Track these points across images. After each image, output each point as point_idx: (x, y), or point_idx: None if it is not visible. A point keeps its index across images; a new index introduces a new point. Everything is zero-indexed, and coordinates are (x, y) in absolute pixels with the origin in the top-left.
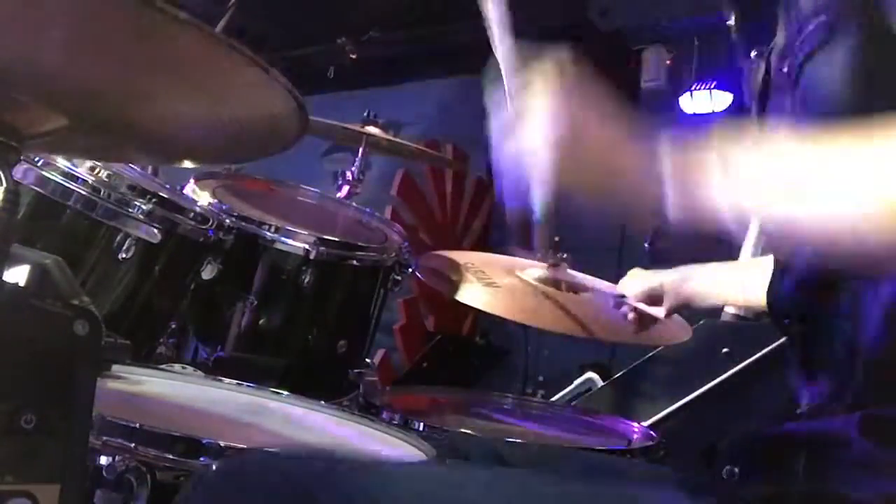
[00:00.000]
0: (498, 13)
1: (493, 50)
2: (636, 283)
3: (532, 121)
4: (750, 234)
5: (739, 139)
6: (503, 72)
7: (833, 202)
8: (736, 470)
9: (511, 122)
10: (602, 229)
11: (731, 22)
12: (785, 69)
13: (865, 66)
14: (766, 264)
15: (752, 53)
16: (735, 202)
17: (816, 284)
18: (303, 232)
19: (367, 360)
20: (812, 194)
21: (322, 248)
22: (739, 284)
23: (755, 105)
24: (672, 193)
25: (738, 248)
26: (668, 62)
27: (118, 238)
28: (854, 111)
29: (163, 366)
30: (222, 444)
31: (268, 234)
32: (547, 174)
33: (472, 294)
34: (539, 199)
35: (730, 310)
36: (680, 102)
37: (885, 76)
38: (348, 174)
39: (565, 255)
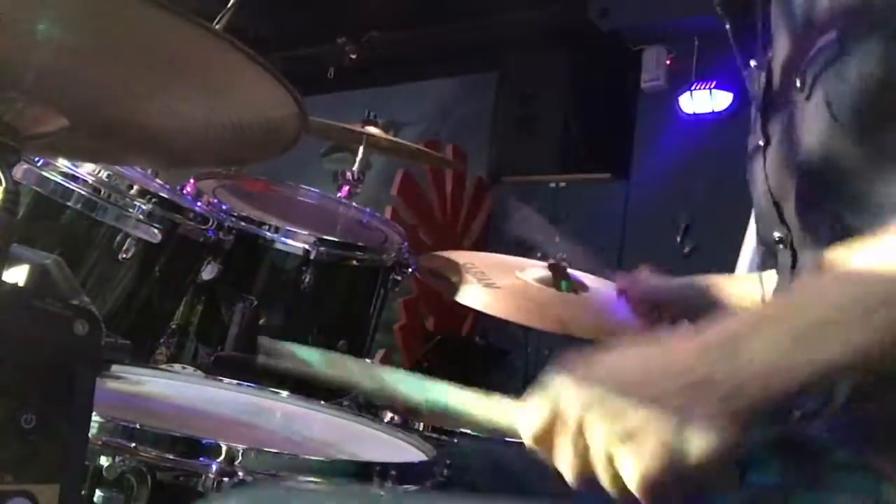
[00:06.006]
0: None
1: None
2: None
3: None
4: (746, 245)
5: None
6: None
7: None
8: None
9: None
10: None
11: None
12: (798, 83)
13: (877, 81)
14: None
15: (752, 63)
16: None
17: None
18: (303, 232)
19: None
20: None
21: (322, 248)
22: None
23: (759, 115)
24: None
25: None
26: (668, 62)
27: (118, 238)
28: (868, 125)
29: (163, 366)
30: (222, 444)
31: (268, 234)
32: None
33: (472, 294)
34: None
35: None
36: (680, 102)
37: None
38: (348, 174)
39: (565, 256)
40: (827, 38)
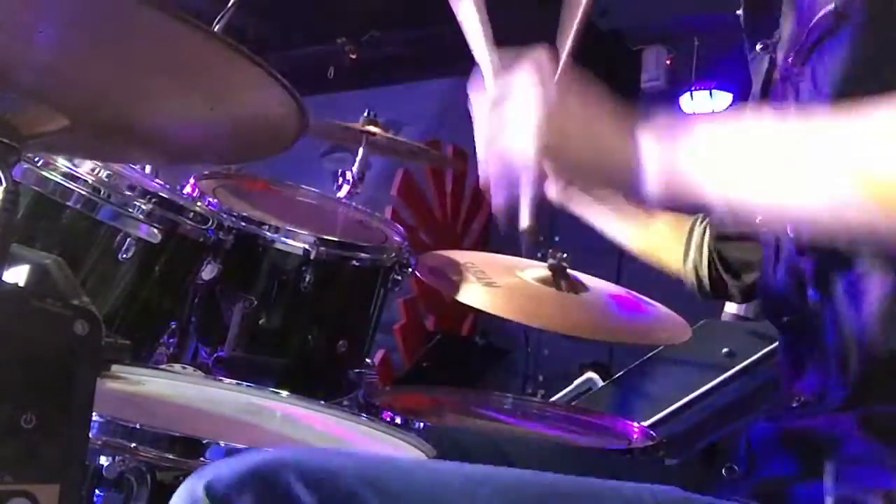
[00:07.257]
0: (477, 20)
1: (475, 56)
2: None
3: (515, 110)
4: None
5: (721, 123)
6: (485, 76)
7: (811, 183)
8: (736, 468)
9: (495, 118)
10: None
11: (740, 12)
12: (790, 59)
13: (871, 51)
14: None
15: (758, 46)
16: (716, 184)
17: (809, 273)
18: (303, 232)
19: (367, 360)
20: (790, 176)
21: (322, 248)
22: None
23: (759, 98)
24: (652, 171)
25: None
26: (668, 62)
27: (118, 238)
28: (857, 95)
29: (163, 366)
30: (222, 444)
31: (268, 234)
32: (532, 159)
33: (472, 294)
34: (525, 199)
35: (730, 310)
36: (680, 102)
37: (891, 61)
38: (348, 174)
39: (565, 255)
40: (826, 10)
